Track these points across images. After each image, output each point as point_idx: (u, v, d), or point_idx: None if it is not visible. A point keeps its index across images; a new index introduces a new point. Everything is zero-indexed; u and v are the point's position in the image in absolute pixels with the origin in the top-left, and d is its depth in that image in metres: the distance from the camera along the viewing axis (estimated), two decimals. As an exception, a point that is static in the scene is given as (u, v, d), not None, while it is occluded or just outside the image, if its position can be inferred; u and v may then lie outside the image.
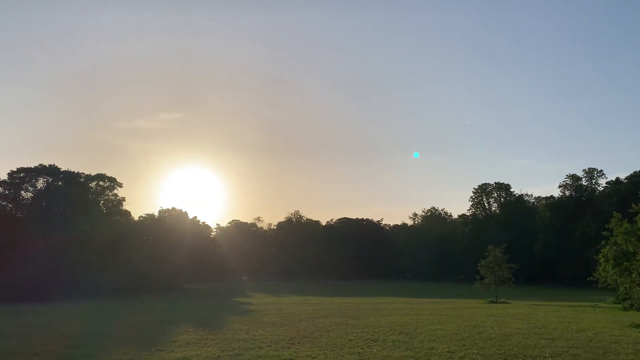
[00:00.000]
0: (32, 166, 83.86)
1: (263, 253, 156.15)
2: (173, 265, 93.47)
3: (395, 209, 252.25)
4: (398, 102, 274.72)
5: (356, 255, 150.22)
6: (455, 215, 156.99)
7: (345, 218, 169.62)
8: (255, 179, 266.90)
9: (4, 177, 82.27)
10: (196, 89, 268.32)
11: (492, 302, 47.05)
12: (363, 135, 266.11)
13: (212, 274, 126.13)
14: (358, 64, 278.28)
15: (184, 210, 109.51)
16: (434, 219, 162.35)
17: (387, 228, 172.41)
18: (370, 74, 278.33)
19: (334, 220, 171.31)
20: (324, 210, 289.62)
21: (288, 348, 16.50)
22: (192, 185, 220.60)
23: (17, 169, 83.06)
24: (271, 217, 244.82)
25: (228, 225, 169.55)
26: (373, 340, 18.05)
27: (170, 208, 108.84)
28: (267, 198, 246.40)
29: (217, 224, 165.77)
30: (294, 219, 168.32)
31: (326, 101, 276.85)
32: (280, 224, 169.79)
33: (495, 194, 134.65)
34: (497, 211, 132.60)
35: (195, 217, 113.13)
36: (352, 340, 18.25)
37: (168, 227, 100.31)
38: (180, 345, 17.31)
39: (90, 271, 74.35)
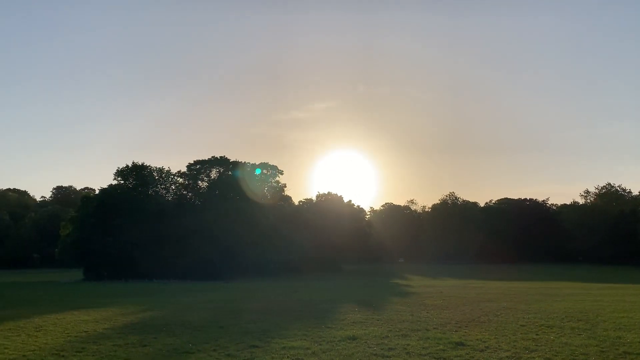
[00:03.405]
0: (206, 158, 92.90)
1: (418, 236, 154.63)
2: (332, 247, 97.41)
3: (563, 188, 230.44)
4: (560, 70, 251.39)
5: (519, 237, 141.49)
6: (635, 192, 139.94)
7: (506, 198, 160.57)
8: (407, 161, 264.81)
9: (184, 169, 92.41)
10: (344, 77, 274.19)
11: (688, 289, 41.13)
12: (520, 112, 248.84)
13: (368, 256, 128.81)
14: (506, 38, 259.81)
15: (339, 195, 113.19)
16: (610, 196, 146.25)
17: (554, 208, 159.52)
18: (521, 45, 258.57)
19: (493, 201, 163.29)
20: (481, 192, 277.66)
21: (456, 331, 16.15)
22: (345, 170, 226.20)
23: (194, 161, 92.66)
24: (425, 200, 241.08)
25: (381, 208, 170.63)
26: (548, 327, 16.90)
27: (326, 193, 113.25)
28: (420, 180, 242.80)
29: (371, 207, 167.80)
30: (449, 201, 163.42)
31: (479, 78, 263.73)
32: (434, 206, 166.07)
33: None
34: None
35: (350, 201, 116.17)
36: (524, 325, 17.29)
37: (325, 210, 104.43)
38: (348, 324, 17.92)
39: (258, 252, 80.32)
